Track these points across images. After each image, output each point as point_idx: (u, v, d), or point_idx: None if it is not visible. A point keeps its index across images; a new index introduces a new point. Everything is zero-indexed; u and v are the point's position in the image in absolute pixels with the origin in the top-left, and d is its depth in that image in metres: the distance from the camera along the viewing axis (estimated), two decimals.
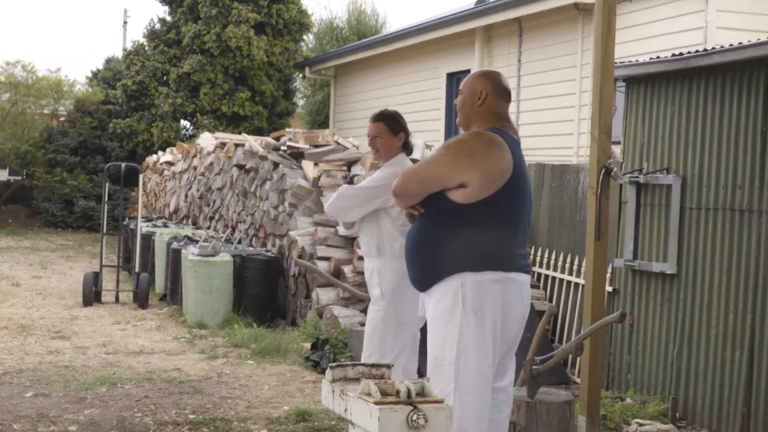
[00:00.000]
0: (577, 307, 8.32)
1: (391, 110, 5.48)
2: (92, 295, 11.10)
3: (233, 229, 12.32)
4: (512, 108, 13.53)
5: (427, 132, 15.70)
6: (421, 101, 16.44)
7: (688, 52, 7.10)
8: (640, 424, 6.60)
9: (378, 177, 5.22)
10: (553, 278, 8.86)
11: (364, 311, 9.03)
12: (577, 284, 8.40)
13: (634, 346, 7.52)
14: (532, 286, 8.82)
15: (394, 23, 45.98)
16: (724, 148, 6.79)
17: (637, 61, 7.80)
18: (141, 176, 12.91)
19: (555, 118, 12.55)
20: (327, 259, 9.64)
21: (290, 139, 11.57)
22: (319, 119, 23.05)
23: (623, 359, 7.64)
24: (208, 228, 13.73)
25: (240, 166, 12.45)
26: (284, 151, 11.50)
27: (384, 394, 3.83)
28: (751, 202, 6.51)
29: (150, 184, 19.00)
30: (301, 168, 10.97)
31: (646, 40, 10.73)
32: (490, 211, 4.27)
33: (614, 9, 6.54)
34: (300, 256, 9.85)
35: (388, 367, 4.30)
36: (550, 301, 8.82)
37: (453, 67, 15.75)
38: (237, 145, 13.32)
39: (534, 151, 12.44)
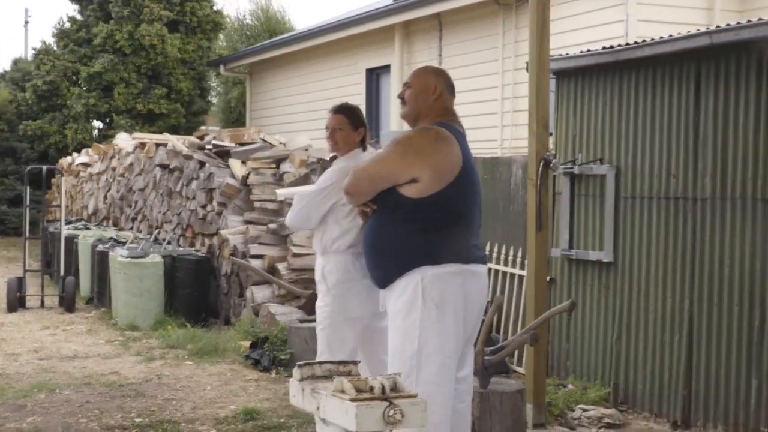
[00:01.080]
0: (514, 298, 8.40)
1: (352, 104, 5.43)
2: (17, 300, 10.80)
3: (158, 229, 12.10)
4: None
5: None
6: (341, 97, 16.32)
7: (618, 45, 7.23)
8: (584, 410, 6.71)
9: (328, 176, 5.17)
10: (488, 270, 8.91)
11: (301, 308, 9.01)
12: (513, 275, 8.48)
13: (572, 333, 7.62)
14: None
15: (298, 22, 45.92)
16: (657, 138, 6.92)
17: (566, 54, 7.89)
18: (63, 179, 12.59)
19: (479, 111, 12.62)
20: (260, 257, 9.56)
21: (215, 138, 11.42)
22: (233, 117, 22.83)
23: (562, 347, 7.74)
24: (131, 229, 13.47)
25: (163, 166, 12.25)
26: (210, 150, 11.35)
27: (358, 390, 3.80)
28: (686, 190, 6.65)
29: (65, 186, 18.52)
30: (228, 167, 10.84)
31: (567, 33, 10.87)
32: (442, 204, 4.28)
33: (548, 5, 6.66)
34: (233, 255, 9.74)
35: (355, 363, 4.28)
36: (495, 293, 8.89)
37: (372, 63, 15.75)
38: (158, 145, 13.11)
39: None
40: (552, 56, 8.17)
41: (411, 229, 4.32)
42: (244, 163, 10.78)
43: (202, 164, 11.03)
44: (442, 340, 4.31)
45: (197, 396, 7.07)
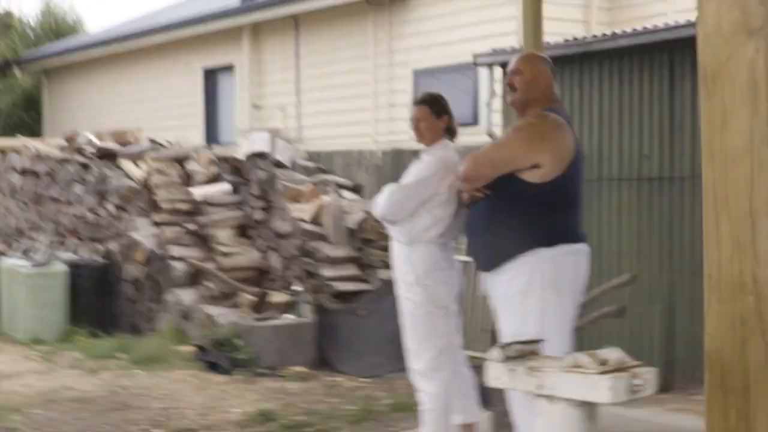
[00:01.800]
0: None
1: (435, 93, 5.34)
2: None
3: (23, 237, 11.19)
4: (292, 100, 13.59)
5: (185, 129, 15.17)
6: (175, 97, 15.83)
7: (593, 36, 7.52)
8: None
9: (425, 167, 5.09)
10: None
11: (236, 306, 8.69)
12: None
13: None
14: None
15: (91, 24, 43.61)
16: (627, 124, 7.29)
17: (520, 48, 8.07)
18: None
19: (351, 106, 12.61)
20: (181, 259, 9.09)
21: (92, 140, 10.74)
22: (14, 121, 21.23)
23: None
24: None
25: (25, 171, 11.33)
26: (91, 152, 10.65)
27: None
28: (662, 170, 7.03)
29: None
30: (119, 168, 10.22)
31: (460, 42, 11.07)
32: (560, 188, 4.40)
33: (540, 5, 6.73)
34: (148, 259, 9.20)
35: (538, 342, 4.25)
36: None
37: (211, 63, 15.31)
38: (3, 150, 12.14)
39: (332, 140, 12.50)
40: (501, 50, 8.46)
41: (529, 212, 4.39)
42: (136, 163, 10.20)
43: (85, 167, 10.33)
44: (561, 320, 4.43)
45: (187, 403, 6.71)
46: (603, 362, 3.79)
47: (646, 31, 7.09)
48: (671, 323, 6.98)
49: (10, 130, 19.99)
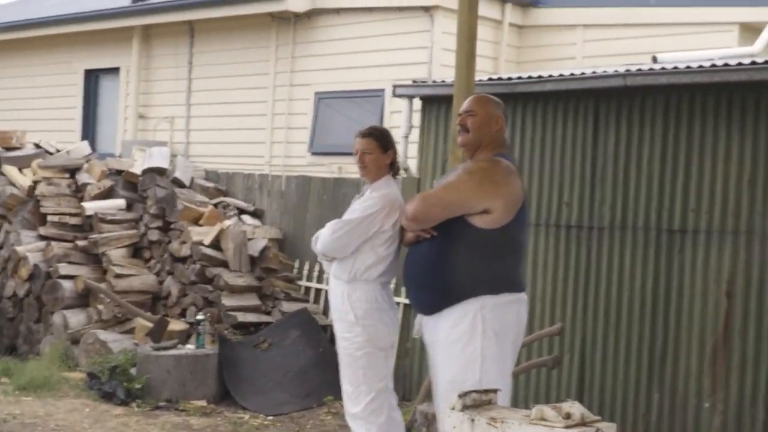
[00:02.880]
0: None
1: (381, 127, 5.51)
2: None
3: None
4: (182, 112, 13.55)
5: (61, 132, 14.90)
6: (50, 98, 15.50)
7: (518, 78, 7.83)
8: None
9: (371, 203, 5.21)
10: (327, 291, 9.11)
11: (129, 332, 8.63)
12: None
13: None
14: (303, 301, 9.12)
15: None
16: (548, 169, 7.62)
17: (443, 81, 8.35)
18: None
19: (245, 125, 12.65)
20: (71, 278, 8.97)
21: None
22: None
23: (424, 369, 8.16)
24: None
25: None
26: None
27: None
28: (581, 218, 7.40)
29: None
30: (2, 174, 10.01)
31: (372, 68, 11.30)
32: (508, 236, 4.59)
33: (475, 34, 7.04)
34: (32, 275, 9.05)
35: (495, 392, 4.50)
36: (326, 314, 9.07)
37: (95, 64, 15.09)
38: None
39: (222, 159, 12.51)
40: (424, 82, 8.72)
41: (476, 257, 4.55)
42: (20, 170, 10.02)
43: None
44: (502, 368, 4.62)
45: None
46: (567, 416, 4.05)
47: (574, 77, 7.41)
48: (583, 373, 7.34)
49: None
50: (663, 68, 7.09)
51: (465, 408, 4.33)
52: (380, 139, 5.36)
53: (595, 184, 7.37)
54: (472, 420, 4.24)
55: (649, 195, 7.08)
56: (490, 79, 8.12)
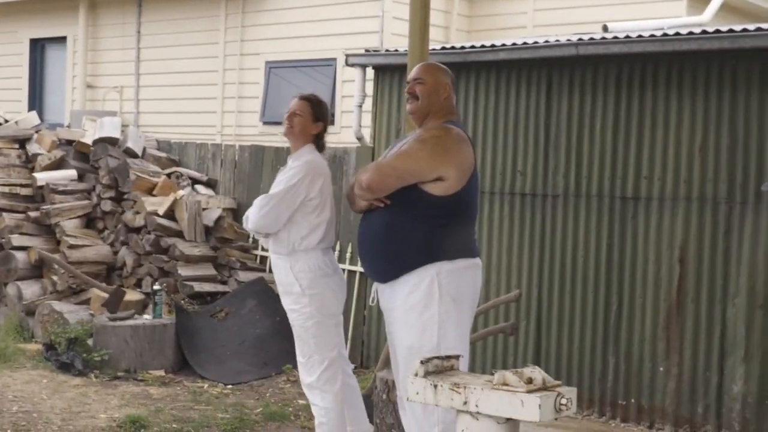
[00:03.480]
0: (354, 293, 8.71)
1: (321, 98, 5.50)
2: None
3: None
4: (131, 82, 13.42)
5: (7, 102, 14.71)
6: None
7: (471, 47, 7.87)
8: None
9: (293, 173, 5.19)
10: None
11: (85, 303, 8.60)
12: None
13: None
14: (259, 270, 9.13)
15: None
16: (501, 138, 7.70)
17: (395, 50, 8.38)
18: None
19: (195, 95, 12.53)
20: (24, 249, 8.91)
21: None
22: None
23: (381, 336, 8.23)
24: None
25: None
26: None
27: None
28: (535, 186, 7.51)
29: None
30: None
31: (326, 37, 11.27)
32: (461, 202, 4.60)
33: (428, 5, 7.06)
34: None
35: (457, 357, 4.58)
36: None
37: (40, 33, 14.85)
38: None
39: (173, 129, 12.43)
40: (376, 51, 8.74)
41: (430, 225, 4.54)
42: None
43: None
44: (460, 333, 4.65)
45: (49, 407, 6.59)
46: (529, 380, 4.14)
47: (527, 46, 7.47)
48: (539, 339, 7.47)
49: None
50: (615, 37, 7.17)
51: (427, 374, 4.40)
52: (315, 107, 5.36)
53: (548, 152, 7.47)
54: (435, 386, 4.31)
55: (602, 163, 7.19)
56: (444, 48, 8.15)
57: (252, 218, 5.21)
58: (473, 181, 4.65)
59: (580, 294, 7.28)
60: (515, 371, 4.14)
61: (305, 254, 5.17)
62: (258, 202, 5.23)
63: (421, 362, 4.39)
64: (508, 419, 4.09)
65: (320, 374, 5.23)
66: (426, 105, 4.71)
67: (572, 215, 7.34)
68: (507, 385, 4.11)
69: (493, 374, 4.46)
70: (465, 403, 4.18)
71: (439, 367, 4.47)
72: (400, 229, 4.59)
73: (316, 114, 5.36)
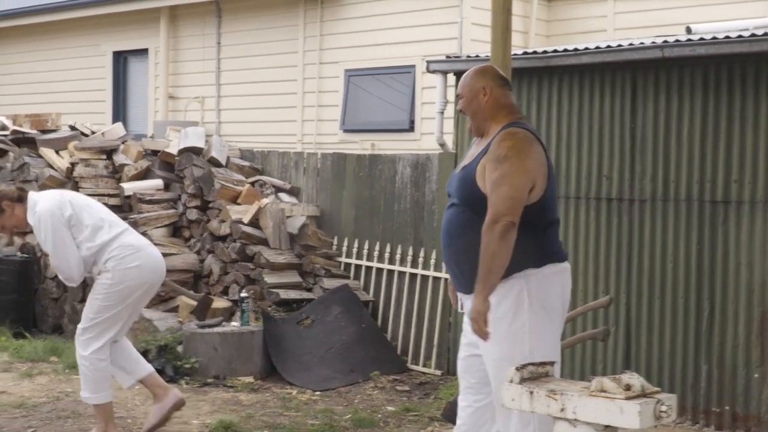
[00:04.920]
0: (406, 295, 8.77)
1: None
2: None
3: None
4: (212, 92, 13.62)
5: (91, 114, 15.02)
6: (80, 80, 15.58)
7: (553, 51, 7.83)
8: None
9: (44, 224, 5.75)
10: (368, 267, 9.23)
11: (173, 310, 8.75)
12: (402, 273, 8.84)
13: None
14: (343, 277, 9.18)
15: None
16: (586, 142, 7.64)
17: (476, 56, 8.39)
18: None
19: (275, 104, 12.71)
20: None
21: (4, 123, 10.59)
22: None
23: None
24: None
25: None
26: (5, 136, 10.50)
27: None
28: (621, 191, 7.44)
29: None
30: (39, 156, 10.12)
31: (402, 44, 11.34)
32: (545, 206, 4.48)
33: (510, 10, 7.06)
34: None
35: (552, 364, 4.56)
36: (366, 290, 9.17)
37: (122, 46, 15.16)
38: None
39: (254, 138, 12.60)
40: (457, 57, 8.75)
41: (518, 233, 4.37)
42: (57, 152, 10.14)
43: (2, 153, 10.19)
44: (552, 339, 4.57)
45: (142, 414, 6.73)
46: (627, 387, 4.11)
47: (610, 50, 7.42)
48: (629, 345, 7.39)
49: None
50: (701, 39, 7.09)
51: (523, 381, 4.39)
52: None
53: (635, 156, 7.39)
54: (531, 392, 4.30)
55: (690, 167, 7.09)
56: (525, 53, 8.12)
57: (68, 277, 5.97)
58: (551, 182, 4.50)
59: (670, 300, 7.19)
60: (613, 378, 4.12)
61: (105, 270, 5.90)
62: (56, 264, 5.96)
63: (516, 369, 4.38)
64: (607, 426, 4.08)
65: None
66: (471, 116, 4.59)
67: (660, 220, 7.25)
68: (605, 391, 4.09)
69: (589, 381, 4.45)
70: (562, 410, 4.16)
71: (534, 374, 4.45)
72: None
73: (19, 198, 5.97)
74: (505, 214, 4.26)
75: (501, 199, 4.30)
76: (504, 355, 4.49)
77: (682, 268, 7.13)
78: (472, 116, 4.58)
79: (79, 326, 5.99)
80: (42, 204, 5.77)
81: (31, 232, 5.89)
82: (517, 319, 4.44)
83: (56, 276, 9.26)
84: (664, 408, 4.03)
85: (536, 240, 4.48)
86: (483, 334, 4.33)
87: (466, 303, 4.62)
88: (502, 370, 4.51)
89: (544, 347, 4.49)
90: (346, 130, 12.00)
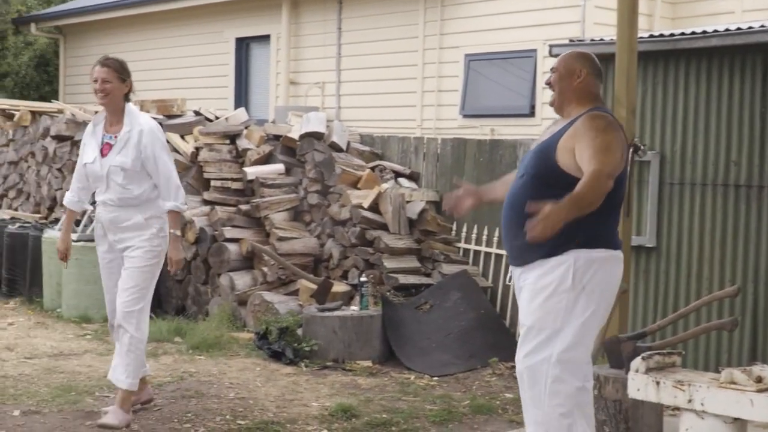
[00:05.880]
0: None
1: (118, 58, 5.95)
2: None
3: (60, 208, 11.32)
4: (332, 77, 13.73)
5: (214, 99, 15.30)
6: (203, 66, 15.91)
7: (681, 34, 7.65)
8: None
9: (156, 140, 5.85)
10: (486, 253, 9.20)
11: (293, 294, 8.85)
12: None
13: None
14: (462, 263, 9.14)
15: None
16: (714, 127, 7.43)
17: (601, 39, 8.24)
18: None
19: (395, 89, 12.77)
20: (236, 240, 9.26)
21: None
22: (26, 81, 21.18)
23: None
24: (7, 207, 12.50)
25: (61, 138, 11.44)
26: None
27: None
28: (750, 177, 7.22)
29: None
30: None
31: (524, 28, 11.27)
32: (613, 191, 4.35)
33: None
34: (198, 238, 9.37)
35: (679, 354, 4.47)
36: (485, 276, 9.14)
37: (245, 32, 15.40)
38: (35, 113, 12.31)
39: (373, 123, 12.66)
40: (581, 41, 8.61)
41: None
42: (182, 137, 10.37)
43: None
44: (585, 323, 4.40)
45: (262, 395, 6.83)
46: (758, 379, 4.01)
47: (740, 32, 7.18)
48: (755, 336, 7.18)
49: (22, 92, 20.03)
50: None
51: (648, 370, 4.32)
52: (119, 70, 5.81)
53: (765, 142, 7.16)
54: (657, 383, 4.23)
55: None
56: (651, 36, 7.93)
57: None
58: (625, 170, 4.53)
59: None
60: (744, 369, 4.02)
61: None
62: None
63: (642, 358, 4.33)
64: (736, 419, 3.99)
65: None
66: (558, 92, 4.65)
67: None
68: (735, 383, 4.00)
69: (717, 372, 4.34)
70: (690, 401, 4.09)
71: (660, 364, 4.40)
72: None
73: (122, 76, 5.83)
74: (611, 176, 4.25)
75: (610, 161, 4.29)
76: (534, 324, 4.46)
77: None
78: (559, 93, 4.65)
79: (132, 306, 5.88)
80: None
81: None
82: (556, 295, 4.40)
83: (187, 258, 9.51)
84: None
85: (596, 222, 4.39)
86: (534, 231, 4.09)
87: (520, 277, 4.58)
88: (527, 338, 4.49)
89: (574, 327, 4.38)
90: (465, 116, 11.97)
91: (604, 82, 8.01)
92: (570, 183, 4.29)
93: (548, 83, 4.75)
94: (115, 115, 5.86)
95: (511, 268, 4.67)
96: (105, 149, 5.82)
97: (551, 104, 4.71)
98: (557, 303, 4.37)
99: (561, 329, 4.37)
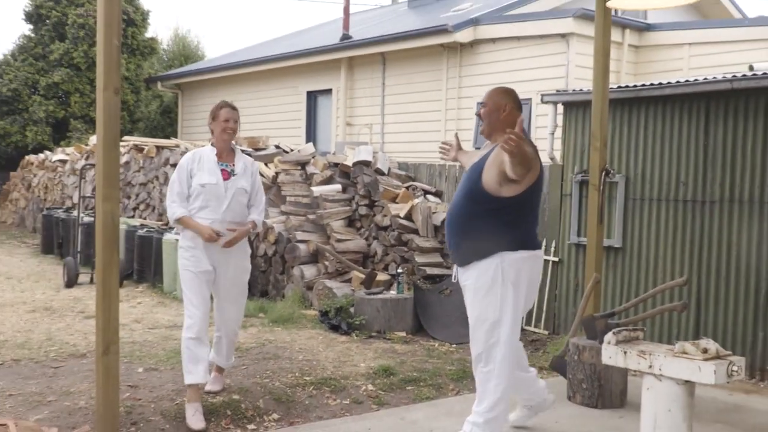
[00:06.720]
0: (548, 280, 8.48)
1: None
2: (76, 277, 9.80)
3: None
4: (378, 120, 13.61)
5: (290, 137, 15.29)
6: (283, 112, 15.93)
7: (642, 85, 7.43)
8: None
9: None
10: None
11: (362, 284, 8.71)
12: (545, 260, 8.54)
13: (579, 301, 7.79)
14: None
15: (209, 48, 43.46)
16: (666, 156, 7.21)
17: (581, 90, 8.05)
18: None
19: (422, 128, 12.68)
20: (305, 242, 9.16)
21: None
22: (152, 124, 21.37)
23: (569, 311, 7.94)
24: (131, 217, 12.53)
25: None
26: None
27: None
28: (695, 194, 6.98)
29: (37, 179, 16.92)
30: None
31: (514, 72, 11.09)
32: (526, 202, 4.23)
33: (608, 53, 6.72)
34: (277, 240, 9.28)
35: (642, 330, 4.26)
36: None
37: (313, 87, 15.38)
38: (159, 147, 12.33)
39: (408, 153, 12.53)
40: (565, 91, 8.40)
41: (498, 221, 4.21)
42: (266, 164, 10.29)
43: None
44: (515, 310, 4.30)
45: (324, 357, 6.72)
46: (704, 350, 3.81)
47: (687, 83, 6.98)
48: (698, 317, 6.94)
49: (151, 132, 20.22)
50: (765, 73, 6.58)
51: (618, 343, 4.13)
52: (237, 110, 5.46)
53: (707, 167, 6.93)
54: (625, 352, 4.04)
55: (752, 175, 6.60)
56: (619, 87, 7.72)
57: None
58: (536, 184, 4.24)
59: (733, 281, 6.72)
60: (693, 342, 3.82)
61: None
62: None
63: (613, 333, 4.13)
64: (686, 381, 3.79)
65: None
66: (487, 123, 4.40)
67: (727, 217, 6.77)
68: (686, 353, 3.81)
69: (672, 344, 4.13)
70: (650, 366, 3.90)
71: (627, 337, 4.20)
72: (474, 224, 4.27)
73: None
74: (535, 159, 4.12)
75: (531, 153, 4.10)
76: (479, 315, 4.32)
77: (744, 255, 6.65)
78: (488, 124, 4.41)
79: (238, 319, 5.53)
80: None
81: None
82: (491, 291, 4.25)
83: (265, 253, 9.43)
84: (735, 368, 3.72)
85: (514, 229, 4.25)
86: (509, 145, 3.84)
87: (462, 276, 4.43)
88: (476, 326, 4.36)
89: (508, 314, 4.27)
90: (477, 148, 11.77)
91: (576, 122, 7.99)
92: (490, 200, 4.15)
93: (478, 114, 4.50)
94: (228, 149, 5.33)
95: (455, 267, 4.51)
96: (224, 174, 5.21)
97: (481, 132, 4.47)
98: (494, 297, 4.23)
99: (500, 318, 4.24)
